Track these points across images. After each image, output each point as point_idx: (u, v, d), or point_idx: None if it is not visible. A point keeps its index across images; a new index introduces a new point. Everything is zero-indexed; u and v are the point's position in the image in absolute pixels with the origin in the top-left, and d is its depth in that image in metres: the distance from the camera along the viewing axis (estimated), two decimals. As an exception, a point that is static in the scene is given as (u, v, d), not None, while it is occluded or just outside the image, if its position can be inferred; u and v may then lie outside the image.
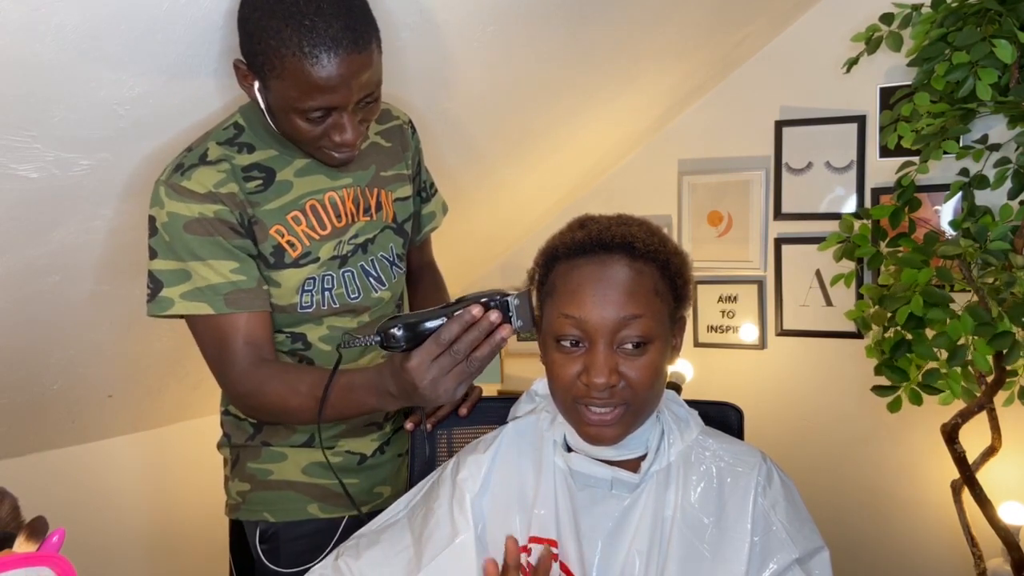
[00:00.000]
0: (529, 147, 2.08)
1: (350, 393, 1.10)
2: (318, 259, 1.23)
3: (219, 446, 1.38)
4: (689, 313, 1.05)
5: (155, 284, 1.16)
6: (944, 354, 1.67)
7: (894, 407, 1.77)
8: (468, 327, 0.97)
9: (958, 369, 1.69)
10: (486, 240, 2.49)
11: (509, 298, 0.98)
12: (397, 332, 0.97)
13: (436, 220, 1.49)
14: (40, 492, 1.24)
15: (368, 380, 1.09)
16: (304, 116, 1.09)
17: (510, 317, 0.98)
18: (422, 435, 1.29)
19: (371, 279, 1.30)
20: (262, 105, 1.13)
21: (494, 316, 0.97)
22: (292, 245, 1.20)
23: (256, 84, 1.10)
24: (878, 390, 1.79)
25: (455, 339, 0.96)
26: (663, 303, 0.97)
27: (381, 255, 1.31)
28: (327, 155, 1.17)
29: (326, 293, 1.25)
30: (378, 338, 0.98)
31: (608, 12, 1.67)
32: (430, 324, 0.97)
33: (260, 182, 1.18)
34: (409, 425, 1.30)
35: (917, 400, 1.75)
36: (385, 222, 1.32)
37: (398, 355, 1.00)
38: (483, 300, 0.98)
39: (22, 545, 0.72)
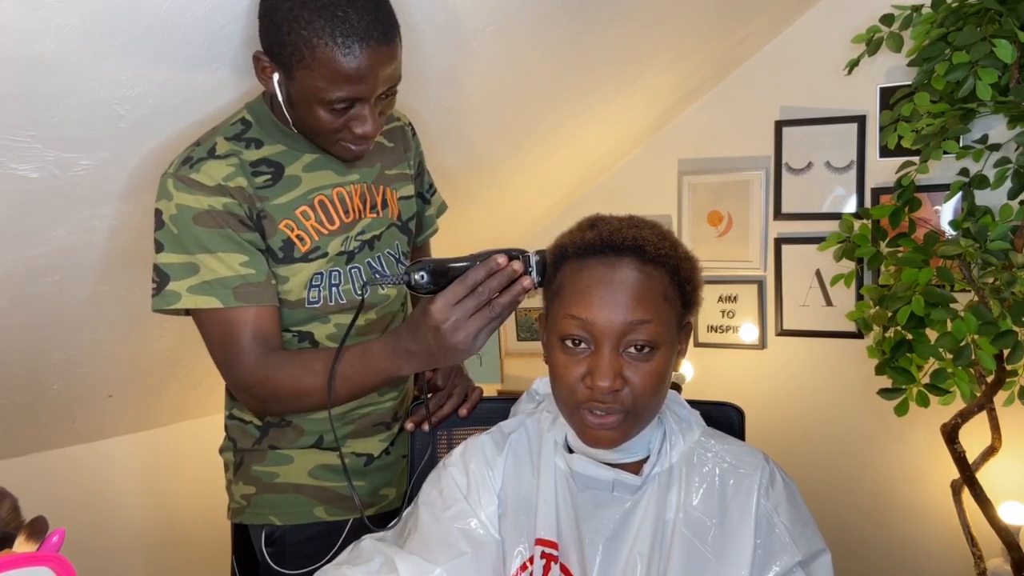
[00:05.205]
0: (529, 147, 2.08)
1: (366, 360, 1.10)
2: (326, 254, 1.23)
3: (221, 451, 1.36)
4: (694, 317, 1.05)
5: (161, 278, 1.14)
6: (948, 354, 1.67)
7: (901, 410, 1.77)
8: (493, 273, 1.00)
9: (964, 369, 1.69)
10: (486, 240, 2.47)
11: (530, 254, 1.02)
12: (424, 272, 0.99)
13: (436, 223, 1.50)
14: (40, 492, 1.23)
15: (382, 344, 1.10)
16: (328, 107, 1.10)
17: (530, 271, 1.02)
18: (422, 436, 1.29)
19: (377, 276, 1.29)
20: (280, 97, 1.13)
21: (517, 265, 1.01)
22: (301, 240, 1.20)
23: (276, 76, 1.11)
24: (884, 393, 1.79)
25: (480, 283, 1.00)
26: (671, 308, 0.96)
27: (387, 252, 1.31)
28: (343, 148, 1.17)
29: (333, 289, 1.24)
30: (405, 277, 1.00)
31: (608, 12, 1.67)
32: (457, 267, 1.01)
33: (268, 177, 1.18)
34: (409, 425, 1.29)
35: (924, 402, 1.74)
36: (391, 219, 1.32)
37: (418, 307, 1.02)
38: (506, 251, 1.02)
39: (22, 545, 0.72)
